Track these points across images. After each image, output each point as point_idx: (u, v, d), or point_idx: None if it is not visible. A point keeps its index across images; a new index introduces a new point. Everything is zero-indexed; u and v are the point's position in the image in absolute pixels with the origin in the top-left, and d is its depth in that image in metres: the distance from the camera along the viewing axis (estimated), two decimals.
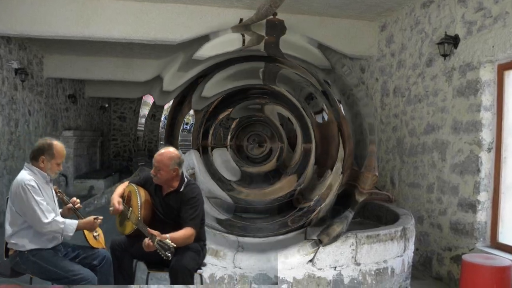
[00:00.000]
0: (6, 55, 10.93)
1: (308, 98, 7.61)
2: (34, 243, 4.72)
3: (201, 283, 5.33)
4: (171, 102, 7.48)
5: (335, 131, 7.20)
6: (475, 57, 7.10)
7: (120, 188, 5.43)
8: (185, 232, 4.93)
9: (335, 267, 6.29)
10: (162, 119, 7.44)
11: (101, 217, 4.97)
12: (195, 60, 7.22)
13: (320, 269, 6.26)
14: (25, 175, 4.71)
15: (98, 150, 19.94)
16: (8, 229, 4.75)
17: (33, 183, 4.64)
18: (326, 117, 7.47)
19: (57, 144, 4.89)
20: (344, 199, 6.89)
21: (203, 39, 7.58)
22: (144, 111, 7.46)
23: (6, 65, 10.90)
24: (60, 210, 5.12)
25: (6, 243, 4.84)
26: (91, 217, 4.91)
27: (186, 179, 5.26)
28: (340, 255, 6.31)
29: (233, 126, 8.27)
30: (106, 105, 22.23)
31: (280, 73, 7.68)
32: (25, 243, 4.72)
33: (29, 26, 8.75)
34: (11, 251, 4.83)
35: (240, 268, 6.19)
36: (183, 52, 7.69)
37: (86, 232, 5.08)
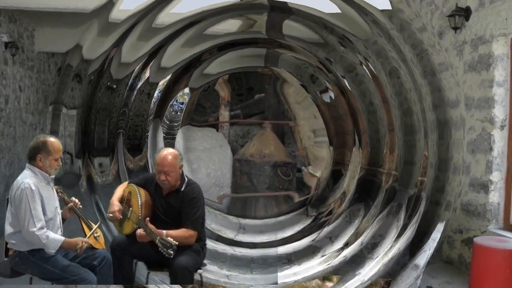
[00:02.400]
0: None
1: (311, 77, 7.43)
2: (33, 243, 4.76)
3: (201, 283, 5.39)
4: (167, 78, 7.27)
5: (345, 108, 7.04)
6: (487, 30, 6.97)
7: (120, 189, 5.48)
8: (185, 232, 5.04)
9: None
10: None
11: (89, 242, 4.92)
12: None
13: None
14: (25, 177, 4.80)
15: (107, 130, 19.76)
16: (8, 229, 4.83)
17: (33, 187, 4.71)
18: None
19: (52, 140, 4.95)
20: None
21: None
22: None
23: None
24: (61, 210, 5.15)
25: (6, 243, 4.92)
26: (79, 240, 4.87)
27: (186, 179, 5.33)
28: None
29: None
30: (114, 86, 22.04)
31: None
32: (25, 243, 4.78)
33: None
34: (11, 251, 4.91)
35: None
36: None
37: (86, 231, 5.14)
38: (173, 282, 4.96)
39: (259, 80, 7.75)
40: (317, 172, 7.06)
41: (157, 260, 5.07)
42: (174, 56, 6.95)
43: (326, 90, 7.18)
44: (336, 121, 7.16)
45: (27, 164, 4.93)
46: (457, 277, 7.05)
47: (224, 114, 8.00)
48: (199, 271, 5.28)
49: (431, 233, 5.93)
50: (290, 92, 7.53)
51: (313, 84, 7.27)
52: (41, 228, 4.68)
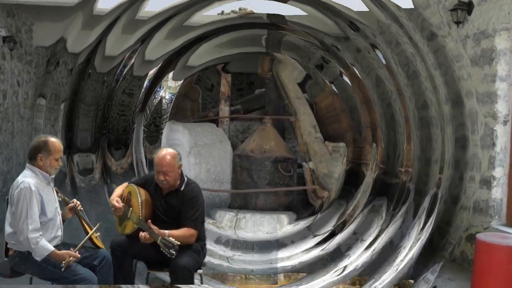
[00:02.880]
0: None
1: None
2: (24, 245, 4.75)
3: (201, 283, 5.41)
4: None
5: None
6: (490, 24, 6.93)
7: (119, 189, 5.47)
8: (185, 232, 5.04)
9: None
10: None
11: (77, 256, 4.78)
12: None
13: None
14: (26, 177, 4.78)
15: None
16: (8, 229, 4.81)
17: (33, 187, 4.70)
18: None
19: (52, 140, 4.94)
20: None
21: None
22: None
23: None
24: (61, 211, 5.14)
25: (6, 243, 4.91)
26: (66, 254, 4.74)
27: (185, 178, 5.31)
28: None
29: None
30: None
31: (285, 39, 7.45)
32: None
33: None
34: (11, 251, 4.90)
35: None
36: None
37: (88, 231, 5.13)
38: (173, 282, 4.98)
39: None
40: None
41: (157, 260, 5.09)
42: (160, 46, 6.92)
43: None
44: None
45: (28, 164, 4.91)
46: (459, 274, 7.01)
47: (224, 109, 7.95)
48: (199, 271, 5.28)
49: (451, 233, 5.95)
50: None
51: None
52: (34, 230, 4.66)
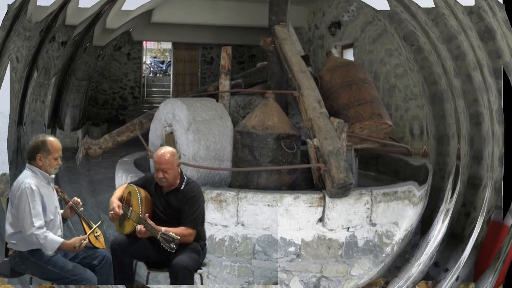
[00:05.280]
0: None
1: None
2: (34, 244, 4.89)
3: (201, 283, 5.58)
4: None
5: None
6: None
7: (119, 190, 5.65)
8: (183, 230, 5.18)
9: (348, 228, 6.12)
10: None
11: (87, 240, 5.06)
12: None
13: (331, 230, 6.09)
14: (26, 177, 4.94)
15: (85, 98, 19.62)
16: (9, 230, 4.98)
17: (34, 187, 4.86)
18: None
19: (51, 139, 5.10)
20: None
21: None
22: None
23: None
24: (61, 211, 5.31)
25: (6, 243, 5.10)
26: (77, 238, 4.99)
27: (185, 177, 5.50)
28: (354, 215, 6.12)
29: None
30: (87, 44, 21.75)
31: None
32: (25, 243, 4.92)
33: None
34: (11, 251, 5.08)
35: (243, 225, 6.15)
36: None
37: (87, 231, 5.26)
38: (173, 282, 5.14)
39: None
40: None
41: (157, 260, 5.34)
42: None
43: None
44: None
45: (27, 164, 5.07)
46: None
47: (225, 83, 7.80)
48: (199, 271, 5.45)
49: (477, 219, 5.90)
50: None
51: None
52: (40, 227, 4.80)
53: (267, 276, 6.09)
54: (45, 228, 4.84)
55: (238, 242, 6.16)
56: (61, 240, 4.93)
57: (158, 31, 19.58)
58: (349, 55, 14.01)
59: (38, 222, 4.79)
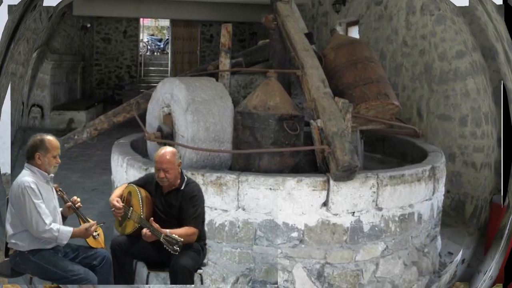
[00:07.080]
0: None
1: None
2: (34, 244, 5.08)
3: (201, 283, 5.70)
4: None
5: None
6: None
7: (119, 190, 5.80)
8: (187, 230, 5.31)
9: (353, 212, 6.05)
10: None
11: (100, 223, 5.42)
12: None
13: (335, 214, 6.03)
14: (25, 176, 5.09)
15: (79, 77, 19.58)
16: (9, 230, 5.13)
17: (33, 185, 5.01)
18: None
19: (49, 137, 5.22)
20: None
21: None
22: None
23: None
24: (61, 209, 5.46)
25: (6, 243, 5.26)
26: (87, 224, 5.24)
27: (186, 177, 5.63)
28: (359, 199, 6.04)
29: None
30: (88, 25, 21.69)
31: None
32: (26, 244, 5.08)
33: None
34: (11, 251, 5.24)
35: (244, 210, 6.08)
36: None
37: None
38: (173, 282, 5.26)
39: None
40: None
41: (157, 261, 5.47)
42: None
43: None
44: None
45: (26, 164, 5.20)
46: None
47: (225, 62, 7.70)
48: (199, 271, 5.58)
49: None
50: None
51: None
52: (49, 222, 4.99)
53: (269, 262, 6.03)
54: (52, 220, 5.03)
55: (238, 227, 6.09)
56: (71, 228, 5.12)
57: (155, 7, 19.42)
58: (354, 32, 13.94)
59: (48, 219, 4.98)
